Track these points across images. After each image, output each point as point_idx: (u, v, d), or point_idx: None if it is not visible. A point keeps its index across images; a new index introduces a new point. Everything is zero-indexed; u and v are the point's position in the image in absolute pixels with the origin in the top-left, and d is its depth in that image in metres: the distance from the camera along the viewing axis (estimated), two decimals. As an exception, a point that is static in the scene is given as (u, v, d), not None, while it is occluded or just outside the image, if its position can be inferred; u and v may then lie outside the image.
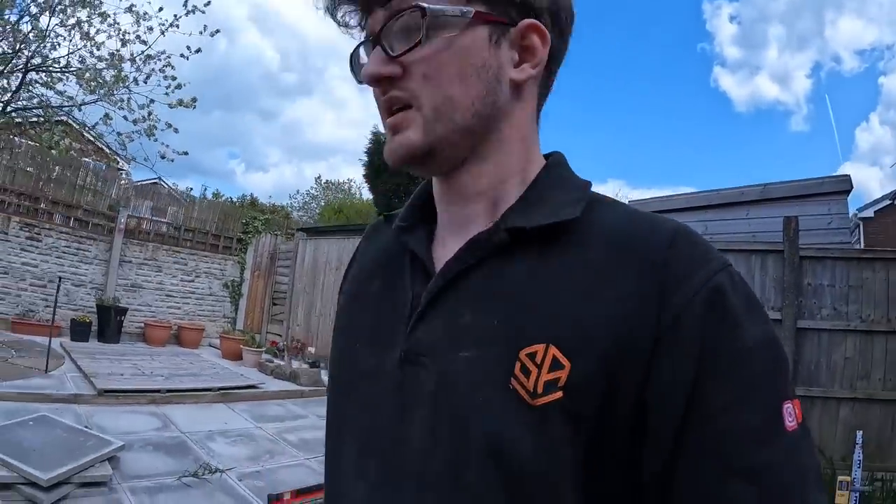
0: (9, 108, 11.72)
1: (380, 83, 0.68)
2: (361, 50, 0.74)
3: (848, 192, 7.29)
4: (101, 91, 11.35)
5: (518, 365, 0.59)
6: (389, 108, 0.69)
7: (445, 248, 0.72)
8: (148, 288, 12.00)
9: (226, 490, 4.74)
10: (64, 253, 10.78)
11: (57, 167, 11.37)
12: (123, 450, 4.93)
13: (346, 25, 0.73)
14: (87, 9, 11.18)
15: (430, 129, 0.67)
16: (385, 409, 0.67)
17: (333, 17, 0.73)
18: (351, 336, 0.78)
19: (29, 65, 11.75)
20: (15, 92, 11.89)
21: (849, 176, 7.39)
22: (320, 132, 74.81)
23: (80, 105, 12.19)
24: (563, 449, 0.56)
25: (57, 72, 12.05)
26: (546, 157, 0.77)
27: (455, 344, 0.63)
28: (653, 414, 0.56)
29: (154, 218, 12.38)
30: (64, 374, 7.49)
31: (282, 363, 10.03)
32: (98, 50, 11.45)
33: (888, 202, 16.98)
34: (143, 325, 11.61)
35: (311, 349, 10.72)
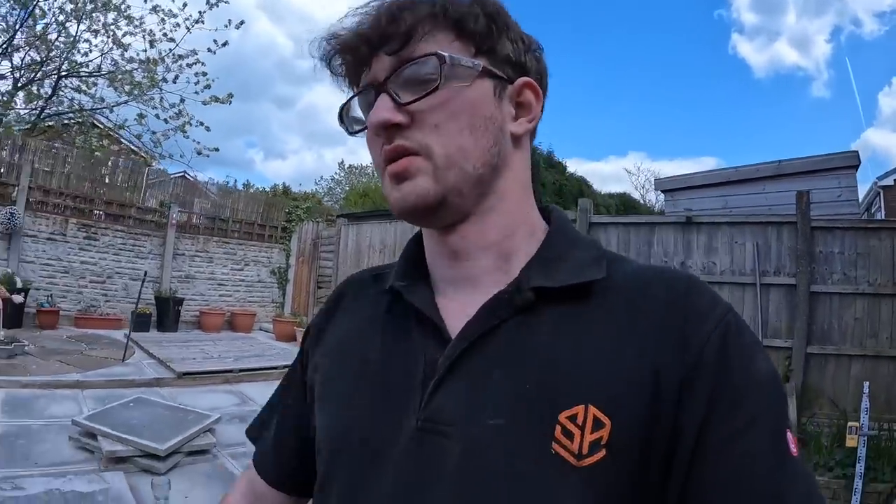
0: (44, 115, 12.22)
1: (388, 131, 0.66)
2: (355, 101, 0.73)
3: (856, 167, 8.23)
4: (135, 92, 11.78)
5: (559, 428, 0.58)
6: (391, 157, 0.67)
7: (454, 305, 0.70)
8: (200, 278, 12.71)
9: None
10: (120, 250, 11.54)
11: (106, 169, 11.85)
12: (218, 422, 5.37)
13: (343, 76, 0.72)
14: (114, 13, 11.57)
15: (442, 177, 0.66)
16: (397, 488, 0.63)
17: (329, 64, 0.72)
18: (349, 404, 0.72)
19: (61, 70, 12.21)
20: (49, 98, 12.39)
21: (856, 152, 8.20)
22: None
23: (113, 106, 12.65)
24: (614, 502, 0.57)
25: (88, 76, 12.51)
26: (543, 209, 0.78)
27: (481, 411, 0.61)
28: (677, 445, 0.57)
29: (201, 213, 12.95)
30: (140, 362, 8.16)
31: None
32: (126, 52, 11.85)
33: None
34: (198, 313, 12.36)
35: None
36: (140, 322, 10.65)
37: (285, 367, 8.21)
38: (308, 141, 71.50)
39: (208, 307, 12.46)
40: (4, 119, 11.48)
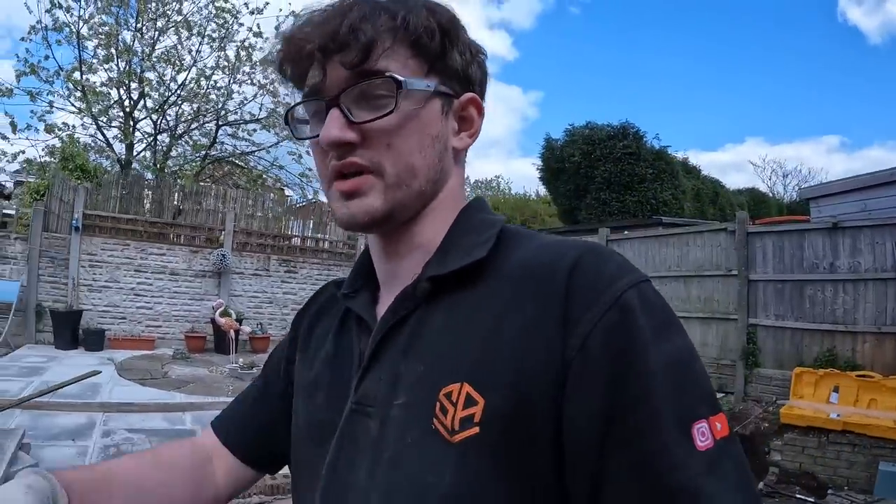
0: (207, 160, 14.02)
1: (339, 148, 0.67)
2: (302, 106, 0.74)
3: None
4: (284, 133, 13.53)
5: (438, 405, 0.61)
6: (342, 172, 0.69)
7: (386, 304, 0.73)
8: None
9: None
10: (317, 280, 12.90)
11: (299, 209, 13.51)
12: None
13: (293, 79, 0.73)
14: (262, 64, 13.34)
15: (391, 195, 0.68)
16: (340, 459, 0.69)
17: (280, 66, 0.72)
18: (309, 395, 0.80)
19: (219, 119, 14.08)
20: (210, 145, 14.22)
21: None
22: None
23: (269, 147, 14.40)
24: (487, 483, 0.58)
25: (245, 122, 14.32)
26: (466, 205, 0.79)
27: (392, 393, 0.66)
28: (570, 445, 0.56)
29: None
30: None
31: None
32: (278, 97, 13.59)
33: None
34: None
35: None
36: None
37: None
38: None
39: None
40: (172, 168, 13.27)
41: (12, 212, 11.56)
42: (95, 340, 10.27)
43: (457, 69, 0.71)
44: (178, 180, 12.39)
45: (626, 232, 11.37)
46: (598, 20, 59.12)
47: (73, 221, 10.83)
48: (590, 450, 0.55)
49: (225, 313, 10.17)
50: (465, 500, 0.58)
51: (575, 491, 0.56)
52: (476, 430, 0.58)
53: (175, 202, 12.00)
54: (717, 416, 0.56)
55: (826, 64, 53.16)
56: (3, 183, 19.14)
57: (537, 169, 21.46)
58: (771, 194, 30.59)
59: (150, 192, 12.10)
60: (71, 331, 10.22)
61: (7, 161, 14.55)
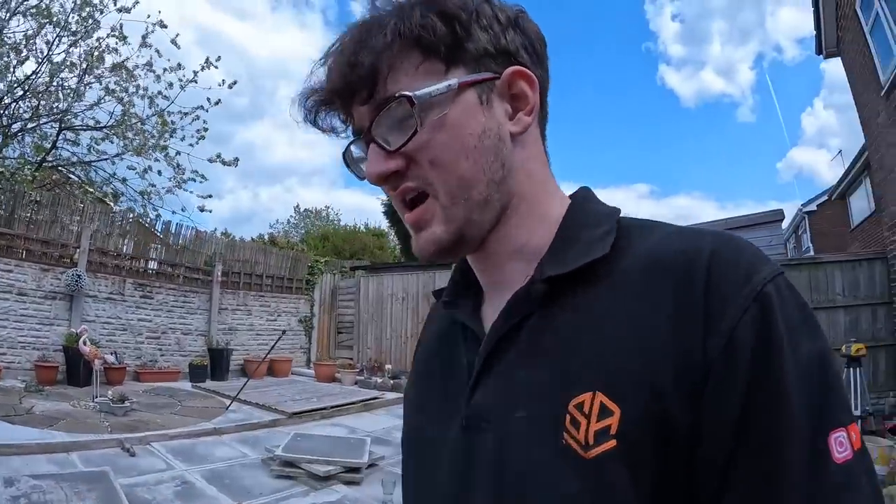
0: (45, 163, 13.12)
1: (387, 181, 0.66)
2: (353, 147, 0.71)
3: (781, 220, 11.69)
4: (149, 144, 13.10)
5: (568, 418, 0.57)
6: (404, 200, 0.68)
7: (495, 309, 0.70)
8: (242, 329, 13.77)
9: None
10: (173, 307, 12.45)
11: (159, 231, 12.99)
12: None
13: (333, 130, 0.72)
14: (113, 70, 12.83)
15: (451, 216, 0.65)
16: (450, 478, 0.66)
17: (315, 124, 0.71)
18: (419, 412, 0.79)
19: (63, 122, 13.17)
20: (50, 149, 13.27)
21: (781, 210, 11.78)
22: (274, 154, 75.12)
23: (114, 157, 13.81)
24: (624, 496, 0.54)
25: (93, 129, 13.58)
26: (573, 195, 0.75)
27: (511, 405, 0.62)
28: (704, 449, 0.53)
29: (241, 270, 14.13)
30: (241, 408, 9.02)
31: (379, 379, 12.02)
32: (127, 107, 13.13)
33: (825, 198, 19.50)
34: (241, 361, 13.20)
35: (388, 366, 12.75)
36: (197, 373, 11.64)
37: (362, 401, 9.70)
38: (244, 179, 70.54)
39: (250, 356, 13.25)
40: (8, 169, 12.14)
41: None
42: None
43: (485, 48, 0.66)
44: (15, 185, 11.15)
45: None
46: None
47: None
48: (721, 456, 0.52)
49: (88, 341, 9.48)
50: None
51: (705, 499, 0.53)
52: (613, 443, 0.54)
53: (28, 212, 10.74)
54: (853, 426, 0.53)
55: (641, 120, 60.02)
56: None
57: (382, 203, 22.19)
58: None
59: (2, 197, 10.70)
60: None
61: None
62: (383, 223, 26.93)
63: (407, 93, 0.63)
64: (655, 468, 0.54)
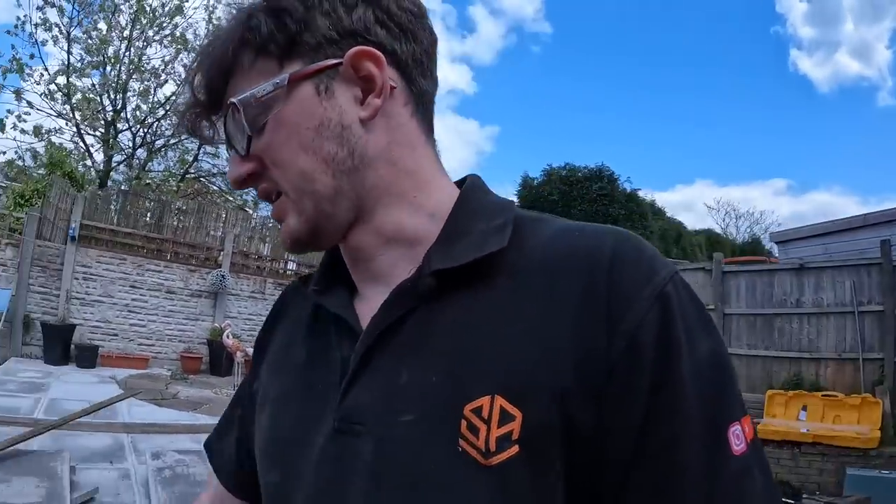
0: (188, 175, 13.93)
1: (245, 184, 0.66)
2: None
3: None
4: None
5: (464, 423, 0.53)
6: (268, 200, 0.67)
7: (370, 303, 0.64)
8: None
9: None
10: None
11: None
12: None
13: (212, 140, 0.73)
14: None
15: (302, 209, 0.64)
16: (317, 484, 0.60)
17: (198, 135, 0.71)
18: (276, 410, 0.71)
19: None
20: (192, 162, 14.19)
21: None
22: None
23: None
24: (527, 502, 0.52)
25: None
26: (460, 183, 0.71)
27: (393, 407, 0.57)
28: (609, 450, 0.52)
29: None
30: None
31: None
32: None
33: None
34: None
35: None
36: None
37: None
38: None
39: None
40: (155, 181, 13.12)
41: None
42: (88, 357, 9.95)
43: (325, 34, 0.61)
44: (162, 195, 12.21)
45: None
46: (556, 59, 60.76)
47: (70, 231, 10.52)
48: (625, 456, 0.51)
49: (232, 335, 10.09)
50: None
51: (609, 498, 0.52)
52: (516, 448, 0.51)
53: (174, 219, 11.87)
54: (746, 418, 0.54)
55: (775, 110, 56.28)
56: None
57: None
58: (725, 235, 32.19)
59: (151, 206, 11.91)
60: (62, 346, 9.89)
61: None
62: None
63: (232, 99, 0.62)
64: (560, 472, 0.52)
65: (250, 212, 14.57)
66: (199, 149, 14.98)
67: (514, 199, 16.81)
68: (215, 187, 16.01)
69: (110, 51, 14.14)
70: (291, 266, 13.13)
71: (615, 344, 0.52)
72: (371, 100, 0.63)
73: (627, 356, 0.52)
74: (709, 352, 0.54)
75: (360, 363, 0.61)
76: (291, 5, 0.61)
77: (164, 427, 6.77)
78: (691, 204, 64.62)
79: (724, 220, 34.86)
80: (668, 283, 0.55)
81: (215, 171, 15.57)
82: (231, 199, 15.41)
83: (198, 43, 14.15)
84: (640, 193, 21.02)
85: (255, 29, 0.61)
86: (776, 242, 13.12)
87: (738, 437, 0.52)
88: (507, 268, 0.59)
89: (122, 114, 14.54)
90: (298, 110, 0.62)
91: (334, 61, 0.62)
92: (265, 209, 14.76)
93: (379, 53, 0.62)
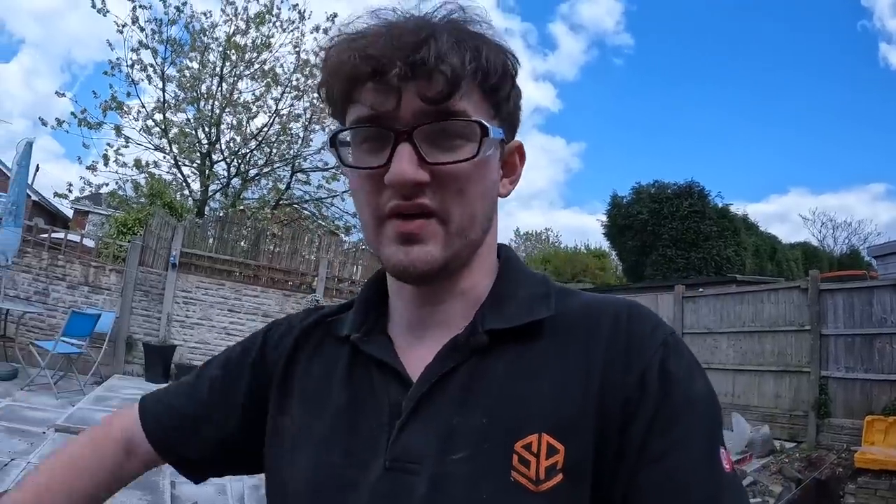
0: (281, 202, 14.21)
1: (411, 188, 0.62)
2: (359, 132, 0.65)
3: None
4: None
5: (515, 457, 0.60)
6: (405, 213, 0.64)
7: (417, 352, 0.70)
8: None
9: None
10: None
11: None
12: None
13: (342, 91, 0.65)
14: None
15: (451, 244, 0.65)
16: None
17: (336, 78, 0.65)
18: (326, 451, 0.70)
19: (294, 166, 14.32)
20: (286, 189, 14.43)
21: None
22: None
23: (343, 193, 14.71)
24: None
25: (321, 170, 14.58)
26: (500, 252, 0.78)
27: (446, 448, 0.63)
28: (622, 465, 0.60)
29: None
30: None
31: None
32: None
33: None
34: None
35: None
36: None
37: None
38: None
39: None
40: (251, 208, 13.68)
41: (77, 238, 11.89)
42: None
43: (510, 114, 0.70)
44: (257, 223, 12.51)
45: (700, 289, 11.50)
46: (639, 71, 60.09)
47: (172, 258, 10.86)
48: (629, 468, 0.60)
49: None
50: None
51: (616, 499, 0.60)
52: (560, 477, 0.59)
53: (270, 245, 12.14)
54: (727, 451, 0.63)
55: (868, 109, 53.19)
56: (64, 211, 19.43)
57: (602, 224, 21.77)
58: (822, 248, 30.98)
59: (246, 233, 12.24)
60: (163, 365, 10.10)
61: (91, 190, 14.88)
62: (604, 244, 26.24)
63: (484, 122, 0.63)
64: (596, 497, 0.60)
65: (342, 236, 14.75)
66: (291, 177, 15.35)
67: (605, 218, 15.72)
68: (307, 212, 16.38)
69: (203, 87, 14.76)
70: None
71: (629, 382, 0.62)
72: (506, 183, 0.74)
73: (638, 389, 0.62)
74: (703, 389, 0.64)
75: (414, 409, 0.66)
76: (513, 70, 0.68)
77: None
78: (786, 214, 62.48)
79: (820, 232, 33.69)
80: (670, 336, 0.66)
81: (307, 197, 15.93)
82: (323, 224, 15.65)
83: (285, 77, 14.65)
84: (732, 208, 20.38)
85: (502, 77, 0.65)
86: (874, 257, 12.35)
87: (726, 460, 0.61)
88: (547, 329, 0.68)
89: (216, 145, 15.08)
90: (492, 164, 0.68)
91: (505, 140, 0.70)
92: (356, 234, 15.05)
93: (525, 153, 0.75)
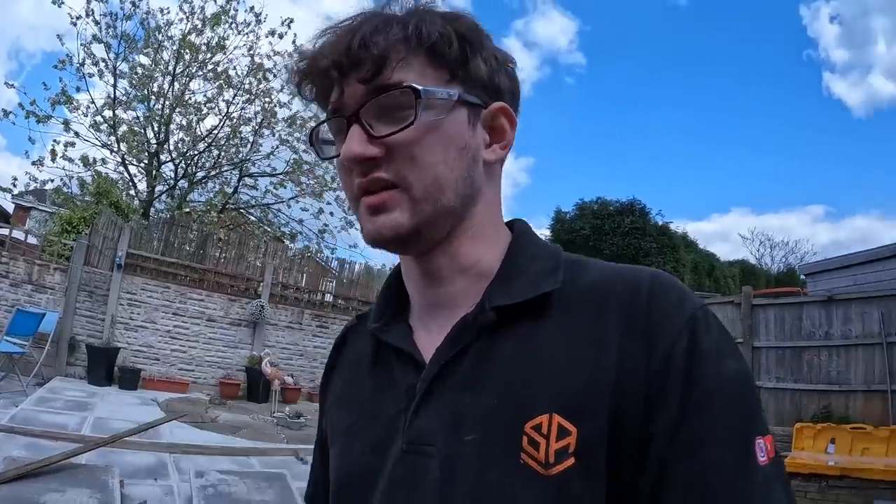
0: (227, 206, 14.20)
1: (362, 164, 0.65)
2: (326, 126, 0.72)
3: None
4: (328, 187, 13.83)
5: (525, 439, 0.59)
6: (368, 189, 0.66)
7: (430, 335, 0.71)
8: None
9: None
10: (346, 337, 13.17)
11: (333, 267, 14.06)
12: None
13: (311, 99, 0.71)
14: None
15: (419, 210, 0.65)
16: (389, 502, 0.66)
17: (299, 87, 0.71)
18: (347, 441, 0.75)
19: (242, 170, 14.61)
20: (233, 194, 14.51)
21: None
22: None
23: (289, 200, 14.80)
24: None
25: (270, 175, 14.68)
26: (509, 225, 0.78)
27: (457, 429, 0.63)
28: (648, 452, 0.57)
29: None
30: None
31: None
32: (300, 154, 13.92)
33: None
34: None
35: None
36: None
37: None
38: None
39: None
40: (197, 212, 13.60)
41: (21, 235, 12.02)
42: (130, 379, 10.18)
43: (482, 77, 0.69)
44: (203, 226, 12.57)
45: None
46: (590, 90, 60.73)
47: (117, 259, 10.89)
48: (658, 458, 0.56)
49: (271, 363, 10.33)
50: None
51: (645, 498, 0.57)
52: (572, 460, 0.57)
53: (216, 250, 12.24)
54: (768, 437, 0.58)
55: (811, 135, 55.28)
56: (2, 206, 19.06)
57: (545, 238, 22.38)
58: (760, 266, 32.12)
59: (193, 237, 12.32)
60: (106, 367, 10.14)
61: (36, 186, 14.63)
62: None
63: (416, 85, 0.63)
64: (612, 483, 0.57)
65: (288, 243, 14.84)
66: (238, 181, 15.32)
67: (548, 232, 16.28)
68: (253, 217, 16.32)
69: (155, 85, 14.61)
70: (328, 298, 13.41)
71: (653, 363, 0.59)
72: (496, 148, 0.72)
73: (662, 372, 0.58)
74: (735, 370, 0.60)
75: (427, 391, 0.67)
76: (471, 37, 0.68)
77: (205, 448, 6.92)
78: (727, 234, 64.01)
79: (758, 251, 34.76)
80: (698, 311, 0.62)
81: (253, 202, 15.89)
82: (269, 230, 15.73)
83: (238, 80, 14.60)
84: (673, 226, 21.16)
85: (446, 39, 0.65)
86: (805, 275, 13.21)
87: (762, 450, 0.56)
88: (558, 304, 0.66)
89: (165, 145, 14.91)
90: (453, 126, 0.67)
91: (482, 103, 0.69)
92: (302, 241, 15.12)
93: (514, 116, 0.73)
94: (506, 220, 0.79)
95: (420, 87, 0.63)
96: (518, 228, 0.77)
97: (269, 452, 7.18)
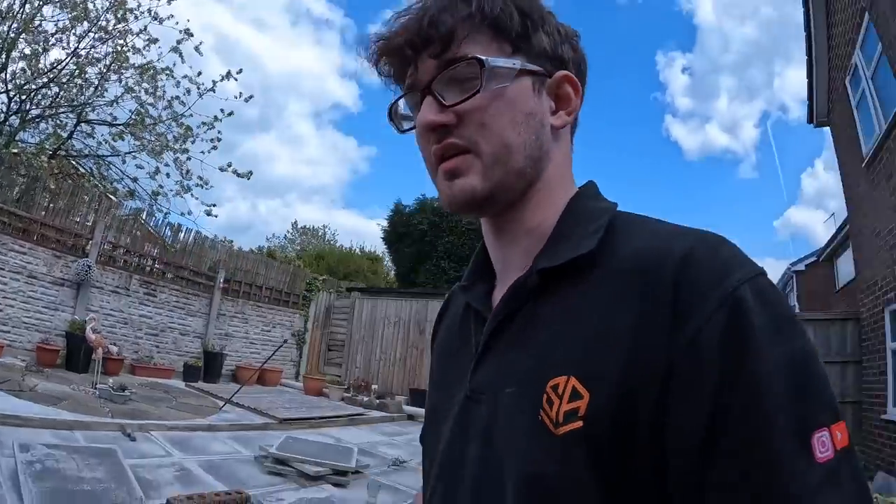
0: (60, 152, 13.36)
1: (434, 131, 0.71)
2: (402, 101, 0.78)
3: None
4: (169, 146, 13.34)
5: (545, 397, 0.62)
6: (442, 155, 0.72)
7: (500, 293, 0.77)
8: (237, 336, 14.19)
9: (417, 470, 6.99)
10: (174, 307, 12.84)
11: (168, 232, 13.47)
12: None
13: (389, 75, 0.77)
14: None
15: (490, 174, 0.70)
16: (453, 444, 0.74)
17: (377, 66, 0.77)
18: (436, 388, 0.86)
19: (81, 115, 13.57)
20: (67, 139, 13.93)
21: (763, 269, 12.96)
22: (276, 168, 75.21)
23: (125, 154, 14.18)
24: (587, 476, 0.57)
25: (109, 124, 13.90)
26: (579, 189, 0.80)
27: (503, 382, 0.69)
28: (674, 449, 0.54)
29: (242, 279, 14.57)
30: (233, 409, 9.39)
31: (365, 398, 12.33)
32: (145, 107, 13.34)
33: (815, 259, 19.99)
34: (234, 367, 13.57)
35: (375, 386, 13.20)
36: (191, 373, 11.99)
37: (348, 415, 10.44)
38: (243, 190, 69.21)
39: (242, 362, 13.69)
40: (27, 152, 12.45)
41: None
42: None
43: (545, 49, 0.73)
44: (32, 171, 11.47)
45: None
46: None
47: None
48: (694, 457, 0.53)
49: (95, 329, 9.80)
50: (568, 491, 0.58)
51: (679, 497, 0.54)
52: (580, 423, 0.58)
53: (45, 199, 11.16)
54: (837, 425, 0.53)
55: (646, 168, 60.24)
56: None
57: (381, 229, 22.72)
58: None
59: (20, 182, 11.11)
60: None
61: None
62: (380, 247, 28.00)
63: (480, 56, 0.69)
64: (618, 456, 0.57)
65: (121, 201, 13.89)
66: (75, 126, 14.21)
67: (385, 223, 17.67)
68: (84, 169, 15.01)
69: (4, 3, 13.21)
70: (159, 265, 12.88)
71: (676, 343, 0.55)
72: (562, 114, 0.76)
73: (688, 355, 0.54)
74: (788, 354, 0.54)
75: (485, 347, 0.74)
76: (531, 11, 0.73)
77: (27, 420, 6.66)
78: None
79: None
80: (745, 284, 0.56)
81: (87, 151, 14.68)
82: (100, 185, 14.58)
83: (95, 14, 13.43)
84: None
85: (507, 14, 0.71)
86: None
87: (823, 445, 0.51)
88: (599, 268, 0.66)
89: (1, 74, 13.58)
90: (518, 93, 0.71)
91: (546, 71, 0.74)
92: (137, 202, 14.25)
93: (578, 83, 0.77)
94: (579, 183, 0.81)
95: (484, 58, 0.69)
96: (579, 191, 0.79)
97: (93, 426, 6.93)
